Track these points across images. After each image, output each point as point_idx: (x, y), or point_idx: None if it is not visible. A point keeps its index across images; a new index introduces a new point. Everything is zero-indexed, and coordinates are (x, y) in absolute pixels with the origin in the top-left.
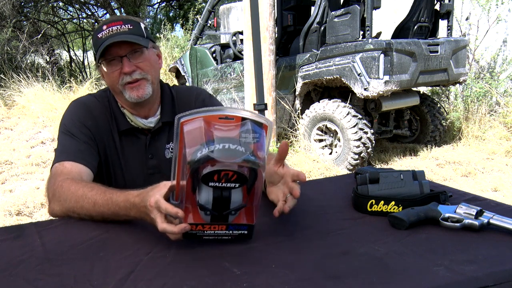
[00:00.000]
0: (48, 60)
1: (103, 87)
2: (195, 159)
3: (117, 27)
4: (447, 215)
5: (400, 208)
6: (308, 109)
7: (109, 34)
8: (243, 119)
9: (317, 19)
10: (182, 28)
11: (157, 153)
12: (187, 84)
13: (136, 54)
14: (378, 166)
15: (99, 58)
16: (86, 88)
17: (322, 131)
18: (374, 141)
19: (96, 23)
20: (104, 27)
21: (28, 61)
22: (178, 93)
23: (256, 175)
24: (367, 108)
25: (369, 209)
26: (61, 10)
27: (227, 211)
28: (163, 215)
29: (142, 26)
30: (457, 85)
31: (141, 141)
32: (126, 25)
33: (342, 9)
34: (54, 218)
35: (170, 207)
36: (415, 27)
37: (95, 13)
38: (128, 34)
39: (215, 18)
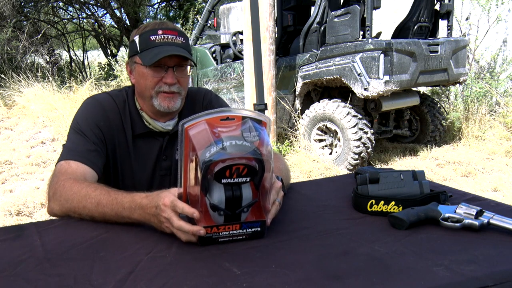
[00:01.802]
0: (48, 60)
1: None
2: (207, 157)
3: (173, 37)
4: (447, 215)
5: (400, 208)
6: (308, 109)
7: (164, 41)
8: (243, 118)
9: (317, 19)
10: (182, 28)
11: (171, 155)
12: None
13: (180, 68)
14: (378, 166)
15: (152, 61)
16: (86, 88)
17: (322, 131)
18: (374, 141)
19: (96, 23)
20: (160, 31)
21: (28, 61)
22: (189, 95)
23: (264, 169)
24: (367, 108)
25: (369, 209)
26: (61, 10)
27: (240, 209)
28: (178, 215)
29: (189, 41)
30: (457, 85)
31: (158, 142)
32: (180, 38)
33: (342, 9)
34: (54, 218)
35: (187, 207)
36: (415, 27)
37: (95, 13)
38: (182, 48)
39: (215, 18)
